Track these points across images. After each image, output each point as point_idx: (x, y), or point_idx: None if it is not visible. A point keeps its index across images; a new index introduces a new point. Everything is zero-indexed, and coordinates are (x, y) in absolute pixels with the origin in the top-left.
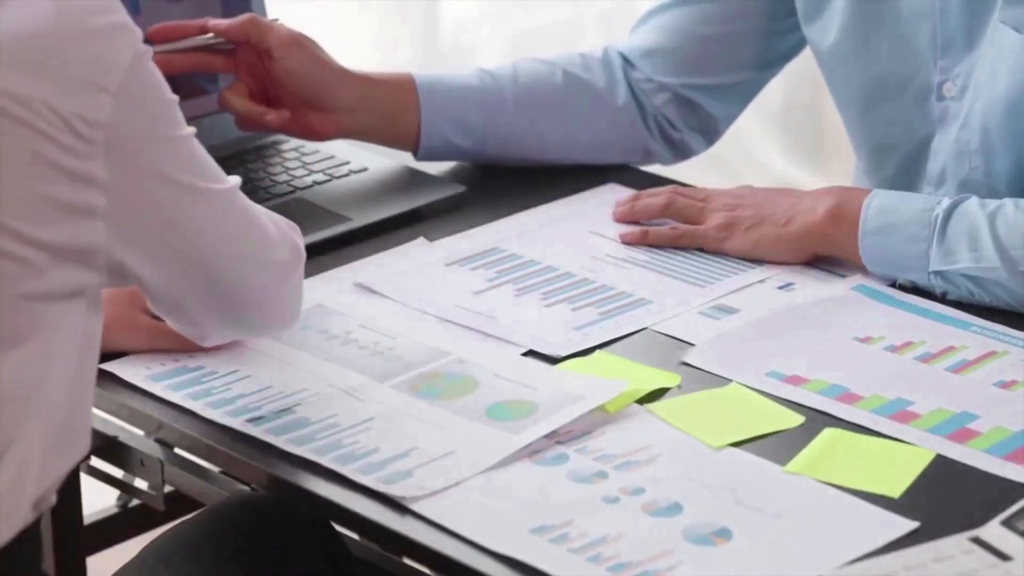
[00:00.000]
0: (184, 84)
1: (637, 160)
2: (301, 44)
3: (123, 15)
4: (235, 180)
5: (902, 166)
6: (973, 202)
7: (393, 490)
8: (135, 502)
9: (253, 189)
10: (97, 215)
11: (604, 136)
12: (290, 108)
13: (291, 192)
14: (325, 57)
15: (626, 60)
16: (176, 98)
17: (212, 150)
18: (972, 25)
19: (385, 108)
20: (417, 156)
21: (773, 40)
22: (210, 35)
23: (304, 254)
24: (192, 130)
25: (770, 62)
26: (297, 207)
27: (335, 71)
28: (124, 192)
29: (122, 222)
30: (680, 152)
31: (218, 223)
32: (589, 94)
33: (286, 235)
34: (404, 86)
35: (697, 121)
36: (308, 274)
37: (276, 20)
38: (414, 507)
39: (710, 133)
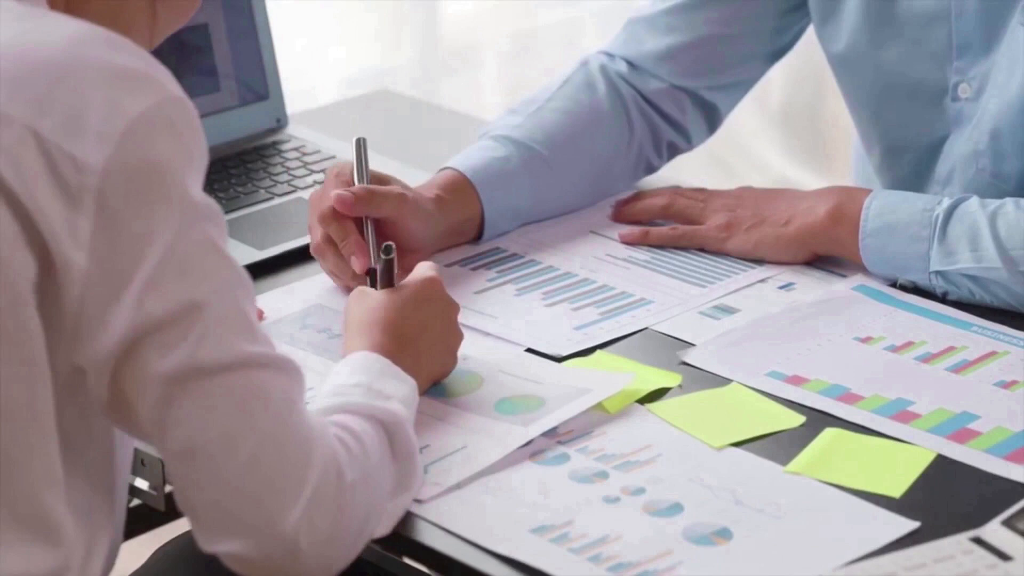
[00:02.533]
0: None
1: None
2: (409, 203)
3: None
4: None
5: (915, 166)
6: (974, 202)
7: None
8: (136, 502)
9: (253, 189)
10: None
11: (628, 175)
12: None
13: (291, 192)
14: (424, 201)
15: (638, 71)
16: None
17: (212, 151)
18: (990, 27)
19: (457, 226)
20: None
21: (781, 33)
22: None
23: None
24: None
25: (777, 53)
26: (297, 207)
27: (430, 214)
28: None
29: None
30: (674, 155)
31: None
32: (617, 140)
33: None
34: (468, 198)
35: (705, 122)
36: (308, 274)
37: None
38: (414, 507)
39: (713, 125)
